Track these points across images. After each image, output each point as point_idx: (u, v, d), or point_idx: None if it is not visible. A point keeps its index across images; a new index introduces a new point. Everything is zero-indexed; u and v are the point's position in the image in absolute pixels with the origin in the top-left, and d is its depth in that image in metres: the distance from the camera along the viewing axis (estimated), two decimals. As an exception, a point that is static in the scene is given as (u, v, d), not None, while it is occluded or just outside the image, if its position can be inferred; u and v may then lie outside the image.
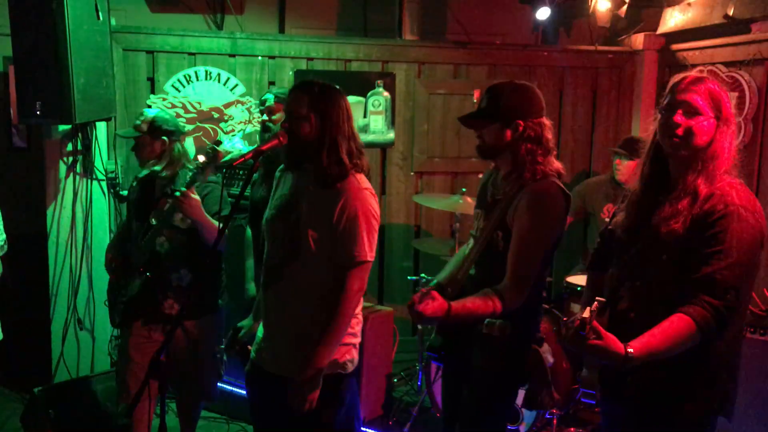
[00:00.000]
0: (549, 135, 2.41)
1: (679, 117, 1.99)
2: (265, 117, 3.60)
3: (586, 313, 1.81)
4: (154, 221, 3.10)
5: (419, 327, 4.30)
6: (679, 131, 1.99)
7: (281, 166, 2.57)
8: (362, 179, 2.39)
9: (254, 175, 3.54)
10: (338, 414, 2.47)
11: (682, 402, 2.04)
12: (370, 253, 2.34)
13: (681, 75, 2.05)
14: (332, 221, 2.30)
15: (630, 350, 1.84)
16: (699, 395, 2.03)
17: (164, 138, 3.13)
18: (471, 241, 2.59)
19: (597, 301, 1.84)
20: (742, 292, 1.93)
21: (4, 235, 3.57)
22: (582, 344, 1.83)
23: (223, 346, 3.17)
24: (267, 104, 3.59)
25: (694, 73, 2.05)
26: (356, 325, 2.49)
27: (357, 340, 2.50)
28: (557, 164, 2.43)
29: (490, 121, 2.41)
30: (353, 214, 2.30)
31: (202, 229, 3.00)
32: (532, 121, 2.38)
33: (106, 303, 3.33)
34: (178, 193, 2.91)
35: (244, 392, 3.81)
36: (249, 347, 2.57)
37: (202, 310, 3.15)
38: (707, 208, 1.95)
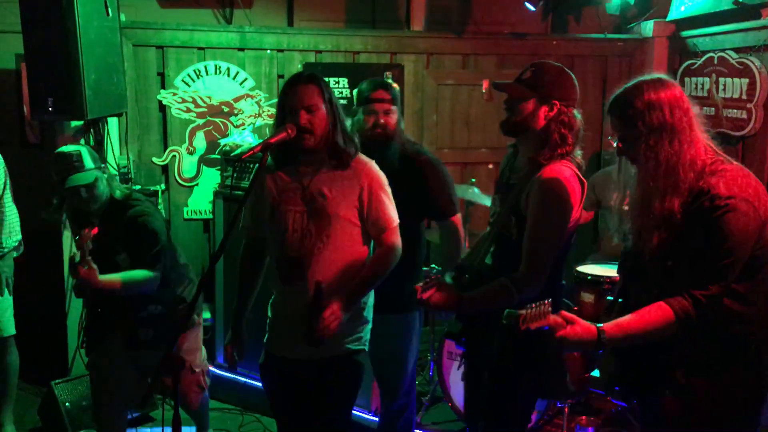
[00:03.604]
0: (579, 126, 2.40)
1: (615, 141, 2.12)
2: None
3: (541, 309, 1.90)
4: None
5: (431, 317, 4.31)
6: (618, 152, 2.09)
7: (257, 166, 2.61)
8: (362, 155, 2.54)
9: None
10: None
11: (726, 385, 2.04)
12: (397, 217, 2.52)
13: (613, 95, 2.08)
14: (359, 199, 2.45)
15: (602, 327, 1.93)
16: (743, 375, 2.04)
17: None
18: (488, 228, 2.58)
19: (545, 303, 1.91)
20: (730, 277, 1.94)
21: (19, 236, 3.59)
22: (553, 338, 1.90)
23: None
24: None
25: (621, 90, 2.05)
26: (368, 304, 2.59)
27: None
28: (579, 158, 2.42)
29: (529, 92, 2.36)
30: (376, 188, 2.48)
31: (122, 291, 2.85)
32: (566, 107, 2.36)
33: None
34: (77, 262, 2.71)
35: (257, 384, 3.85)
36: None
37: (174, 333, 3.06)
38: (696, 206, 1.95)
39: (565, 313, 1.94)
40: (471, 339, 2.60)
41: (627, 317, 1.97)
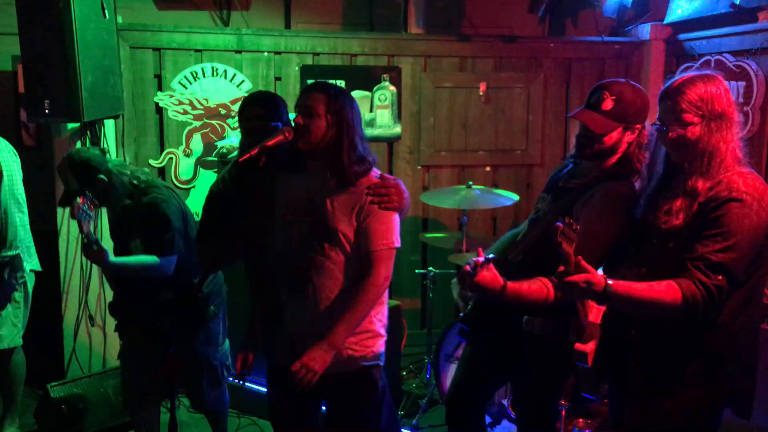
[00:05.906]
0: (650, 138, 2.41)
1: (670, 130, 2.10)
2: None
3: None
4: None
5: (429, 318, 4.30)
6: (672, 142, 2.11)
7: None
8: (377, 173, 2.46)
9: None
10: (383, 409, 2.51)
11: (682, 383, 2.08)
12: (397, 241, 2.42)
13: (668, 82, 2.14)
14: (361, 215, 2.37)
15: (610, 282, 1.95)
16: (701, 379, 2.06)
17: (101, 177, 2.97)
18: (525, 225, 2.56)
19: None
20: (736, 275, 1.96)
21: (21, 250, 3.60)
22: (564, 283, 1.96)
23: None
24: None
25: (678, 78, 2.11)
26: (384, 317, 2.53)
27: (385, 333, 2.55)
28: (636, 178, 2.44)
29: (615, 124, 2.36)
30: (375, 207, 2.38)
31: (132, 273, 2.98)
32: (643, 124, 2.40)
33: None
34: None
35: (254, 386, 3.85)
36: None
37: (189, 323, 3.11)
38: (711, 194, 2.00)
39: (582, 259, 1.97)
40: (481, 334, 2.61)
41: (636, 283, 1.99)
